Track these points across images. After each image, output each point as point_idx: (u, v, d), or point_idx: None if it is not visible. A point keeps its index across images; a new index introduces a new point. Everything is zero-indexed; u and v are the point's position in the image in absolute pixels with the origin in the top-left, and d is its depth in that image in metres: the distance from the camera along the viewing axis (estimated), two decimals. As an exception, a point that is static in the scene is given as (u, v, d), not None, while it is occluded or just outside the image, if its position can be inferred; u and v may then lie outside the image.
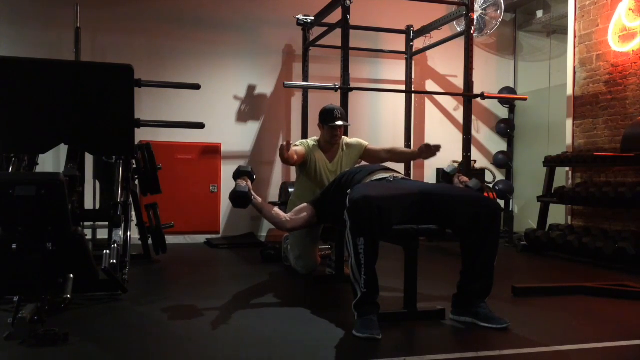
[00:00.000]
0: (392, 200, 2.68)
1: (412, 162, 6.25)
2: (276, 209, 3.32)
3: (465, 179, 3.22)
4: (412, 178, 5.86)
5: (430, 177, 6.53)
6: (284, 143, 3.32)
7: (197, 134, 5.35)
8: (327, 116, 3.78)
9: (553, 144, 6.08)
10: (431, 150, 3.53)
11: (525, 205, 6.64)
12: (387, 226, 2.64)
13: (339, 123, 3.75)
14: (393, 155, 3.84)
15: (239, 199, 3.09)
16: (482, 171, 6.38)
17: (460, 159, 5.52)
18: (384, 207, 2.60)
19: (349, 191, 2.77)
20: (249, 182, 3.20)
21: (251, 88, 6.03)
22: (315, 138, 3.91)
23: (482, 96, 5.27)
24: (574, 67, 5.66)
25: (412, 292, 2.79)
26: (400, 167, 6.03)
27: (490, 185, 6.26)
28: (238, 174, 3.24)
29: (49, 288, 2.67)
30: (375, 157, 3.86)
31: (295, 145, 3.79)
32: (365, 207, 2.57)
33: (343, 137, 3.91)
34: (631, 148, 4.60)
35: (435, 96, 6.64)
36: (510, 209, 6.60)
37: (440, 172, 6.47)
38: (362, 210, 2.56)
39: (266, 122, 6.05)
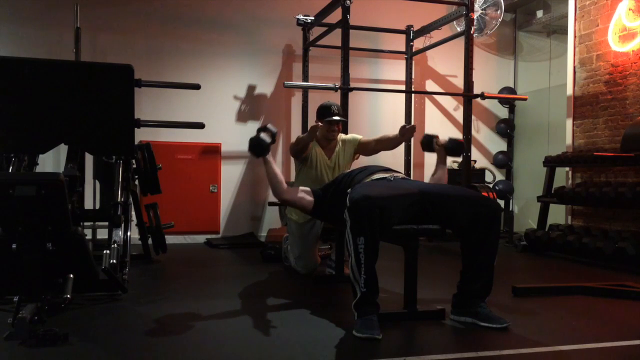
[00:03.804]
0: (393, 200, 2.68)
1: (411, 162, 6.26)
2: (281, 176, 3.28)
3: (442, 141, 3.41)
4: (412, 178, 5.86)
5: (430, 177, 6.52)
6: (319, 123, 3.52)
7: (197, 134, 5.36)
8: (324, 111, 3.80)
9: (553, 144, 6.08)
10: (408, 130, 3.58)
11: (525, 205, 6.65)
12: (388, 226, 2.64)
13: (337, 118, 3.76)
14: (381, 143, 3.84)
15: (259, 145, 3.15)
16: (482, 171, 6.38)
17: (460, 158, 5.52)
18: (385, 207, 2.60)
19: (349, 190, 2.77)
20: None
21: (251, 88, 6.03)
22: None
23: (482, 96, 5.27)
24: (574, 67, 5.66)
25: (412, 292, 2.79)
26: (401, 167, 6.03)
27: (490, 185, 6.27)
28: (264, 129, 3.26)
29: (49, 288, 2.67)
30: (368, 149, 3.90)
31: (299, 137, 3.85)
32: (365, 206, 2.57)
33: (340, 133, 3.93)
34: (631, 148, 4.60)
35: (435, 96, 6.64)
36: (510, 209, 6.60)
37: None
38: (362, 209, 2.56)
39: (266, 122, 6.02)
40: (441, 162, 3.45)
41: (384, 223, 2.60)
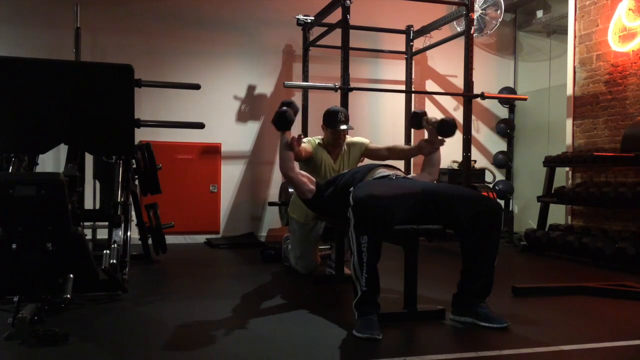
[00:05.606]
0: (396, 199, 2.68)
1: (411, 161, 6.26)
2: (292, 155, 3.33)
3: (432, 119, 3.39)
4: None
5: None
6: (295, 136, 3.30)
7: (197, 134, 5.36)
8: (330, 119, 3.75)
9: (553, 144, 6.08)
10: (432, 145, 3.45)
11: (525, 205, 6.64)
12: (391, 225, 2.64)
13: (343, 127, 3.73)
14: (394, 152, 3.83)
15: (286, 121, 3.29)
16: (482, 171, 6.38)
17: (460, 159, 5.52)
18: (388, 206, 2.60)
19: (351, 189, 2.77)
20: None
21: (251, 88, 6.03)
22: (321, 137, 3.90)
23: (482, 96, 5.27)
24: (574, 67, 5.66)
25: (412, 292, 2.79)
26: (400, 166, 6.03)
27: (490, 185, 6.26)
28: (289, 104, 3.39)
29: (49, 288, 2.67)
30: (377, 156, 3.86)
31: (302, 142, 3.80)
32: (370, 205, 2.57)
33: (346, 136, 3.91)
34: (631, 148, 4.60)
35: (435, 96, 6.63)
36: (510, 209, 6.59)
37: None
38: (366, 208, 2.56)
39: (266, 122, 6.04)
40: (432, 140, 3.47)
41: (387, 222, 2.60)
